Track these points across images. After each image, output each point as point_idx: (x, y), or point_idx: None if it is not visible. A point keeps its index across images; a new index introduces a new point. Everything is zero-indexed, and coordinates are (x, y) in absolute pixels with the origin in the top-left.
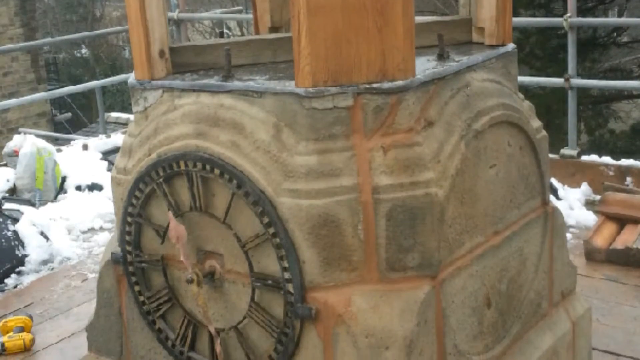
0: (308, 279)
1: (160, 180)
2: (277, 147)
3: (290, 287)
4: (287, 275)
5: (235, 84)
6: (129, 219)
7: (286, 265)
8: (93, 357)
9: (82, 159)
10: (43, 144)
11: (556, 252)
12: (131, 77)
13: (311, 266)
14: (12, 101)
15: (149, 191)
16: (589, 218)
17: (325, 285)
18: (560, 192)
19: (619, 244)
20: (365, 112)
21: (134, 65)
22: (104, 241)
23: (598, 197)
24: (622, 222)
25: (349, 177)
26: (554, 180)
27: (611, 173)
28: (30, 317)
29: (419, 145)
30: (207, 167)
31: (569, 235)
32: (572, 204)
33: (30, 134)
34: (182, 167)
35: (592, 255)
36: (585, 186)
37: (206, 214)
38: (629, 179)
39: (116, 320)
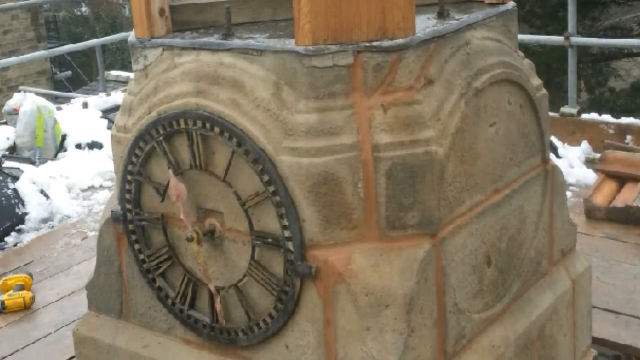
0: (308, 237)
1: (160, 138)
2: (277, 105)
3: (290, 246)
4: (287, 233)
5: (235, 42)
6: (129, 177)
7: (286, 223)
8: (93, 315)
9: (82, 117)
10: (43, 102)
11: (556, 210)
12: (131, 36)
13: (311, 224)
14: (12, 59)
15: (149, 149)
16: (589, 176)
17: (325, 243)
18: (560, 151)
19: (619, 202)
20: (366, 71)
21: (133, 24)
22: (104, 199)
23: (598, 155)
24: (622, 180)
25: (349, 135)
26: (554, 139)
27: (611, 131)
28: (30, 275)
29: (419, 104)
30: (207, 125)
31: (569, 194)
32: (572, 162)
33: (30, 92)
34: (182, 125)
35: (592, 213)
36: (585, 144)
37: (206, 172)
38: (629, 137)
39: (116, 279)
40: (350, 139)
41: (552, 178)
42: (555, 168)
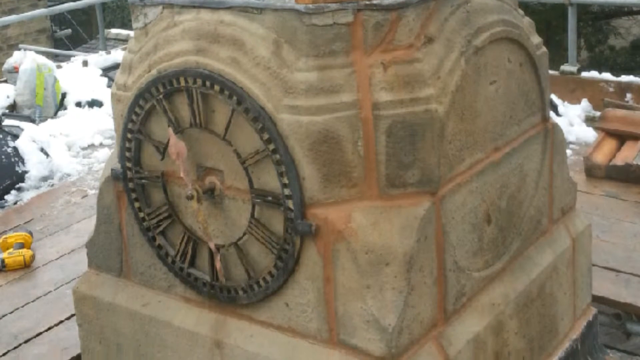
0: (308, 195)
1: (160, 96)
2: (277, 63)
3: (290, 204)
4: (287, 191)
5: (235, 0)
6: (129, 136)
7: (286, 181)
8: (93, 274)
9: (82, 75)
10: (43, 60)
11: (556, 168)
12: None
13: (311, 182)
14: (12, 17)
15: (149, 107)
16: (589, 134)
17: (325, 201)
18: (560, 109)
19: (619, 160)
20: (365, 29)
21: None
22: (104, 157)
23: (598, 114)
24: (622, 138)
25: (349, 93)
26: (554, 97)
27: (611, 89)
28: (30, 233)
29: (419, 62)
30: (207, 83)
31: (568, 152)
32: (572, 120)
33: (30, 50)
34: (182, 83)
35: (592, 171)
36: (585, 102)
37: (206, 131)
38: (628, 95)
39: (116, 237)
40: (350, 97)
41: (552, 136)
42: (555, 126)
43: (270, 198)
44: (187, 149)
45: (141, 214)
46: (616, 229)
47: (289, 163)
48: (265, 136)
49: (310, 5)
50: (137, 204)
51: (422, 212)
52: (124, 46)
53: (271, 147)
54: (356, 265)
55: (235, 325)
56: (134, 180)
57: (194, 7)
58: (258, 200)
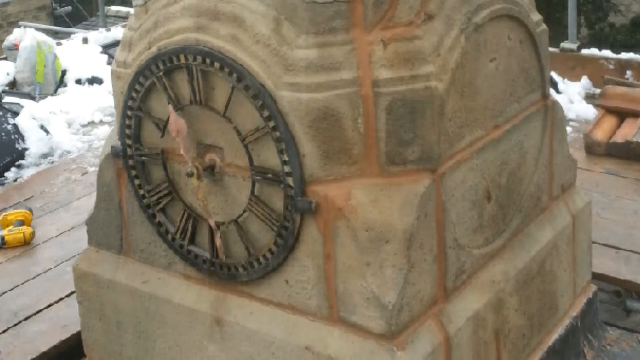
0: (308, 172)
1: (160, 73)
2: (277, 40)
3: (290, 181)
4: (287, 168)
5: None
6: (129, 113)
7: (286, 158)
8: (93, 251)
9: (82, 52)
10: (43, 37)
11: (556, 145)
12: None
13: (311, 160)
14: None
15: (149, 85)
16: (589, 111)
17: (325, 178)
18: (560, 86)
19: (619, 138)
20: (366, 6)
21: None
22: (104, 135)
23: (598, 91)
24: (622, 115)
25: (349, 70)
26: (554, 74)
27: (611, 66)
28: (31, 210)
29: (419, 39)
30: (207, 60)
31: (568, 129)
32: (572, 97)
33: (30, 27)
34: (182, 60)
35: (592, 148)
36: (585, 80)
37: (206, 108)
38: (628, 73)
39: (116, 214)
40: (350, 75)
41: (552, 113)
42: (555, 103)
43: (270, 175)
44: (187, 126)
45: (141, 191)
46: (616, 206)
47: (289, 140)
48: (265, 113)
49: None
50: (137, 181)
51: (422, 190)
52: (124, 23)
53: (271, 124)
54: (356, 242)
55: (235, 303)
56: (134, 158)
57: None
58: (258, 178)
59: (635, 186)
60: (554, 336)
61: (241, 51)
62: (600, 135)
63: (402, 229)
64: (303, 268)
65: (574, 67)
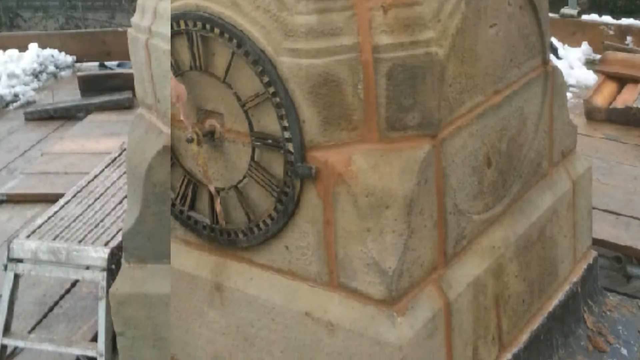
0: (308, 138)
1: None
2: (277, 6)
3: (290, 147)
4: (287, 134)
5: None
6: None
7: (286, 124)
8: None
9: None
10: None
11: (556, 111)
12: None
13: (311, 125)
14: None
15: None
16: (589, 77)
17: (326, 144)
18: (561, 52)
19: (619, 103)
20: None
21: None
22: None
23: (598, 57)
24: (622, 81)
25: (349, 36)
26: (554, 40)
27: (611, 32)
28: None
29: (419, 5)
30: (207, 26)
31: (569, 95)
32: (572, 63)
33: None
34: (182, 26)
35: (592, 114)
36: (585, 45)
37: (206, 74)
38: (629, 38)
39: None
40: (351, 40)
41: (552, 79)
42: (555, 69)
43: (270, 141)
44: (187, 92)
45: None
46: (616, 171)
47: (289, 106)
48: (265, 79)
49: None
50: None
51: (422, 155)
52: None
53: (271, 90)
54: (356, 208)
55: (235, 268)
56: None
57: None
58: (258, 143)
59: (635, 152)
60: (554, 302)
61: (241, 17)
62: (600, 101)
63: (402, 195)
64: (303, 234)
65: (574, 33)
